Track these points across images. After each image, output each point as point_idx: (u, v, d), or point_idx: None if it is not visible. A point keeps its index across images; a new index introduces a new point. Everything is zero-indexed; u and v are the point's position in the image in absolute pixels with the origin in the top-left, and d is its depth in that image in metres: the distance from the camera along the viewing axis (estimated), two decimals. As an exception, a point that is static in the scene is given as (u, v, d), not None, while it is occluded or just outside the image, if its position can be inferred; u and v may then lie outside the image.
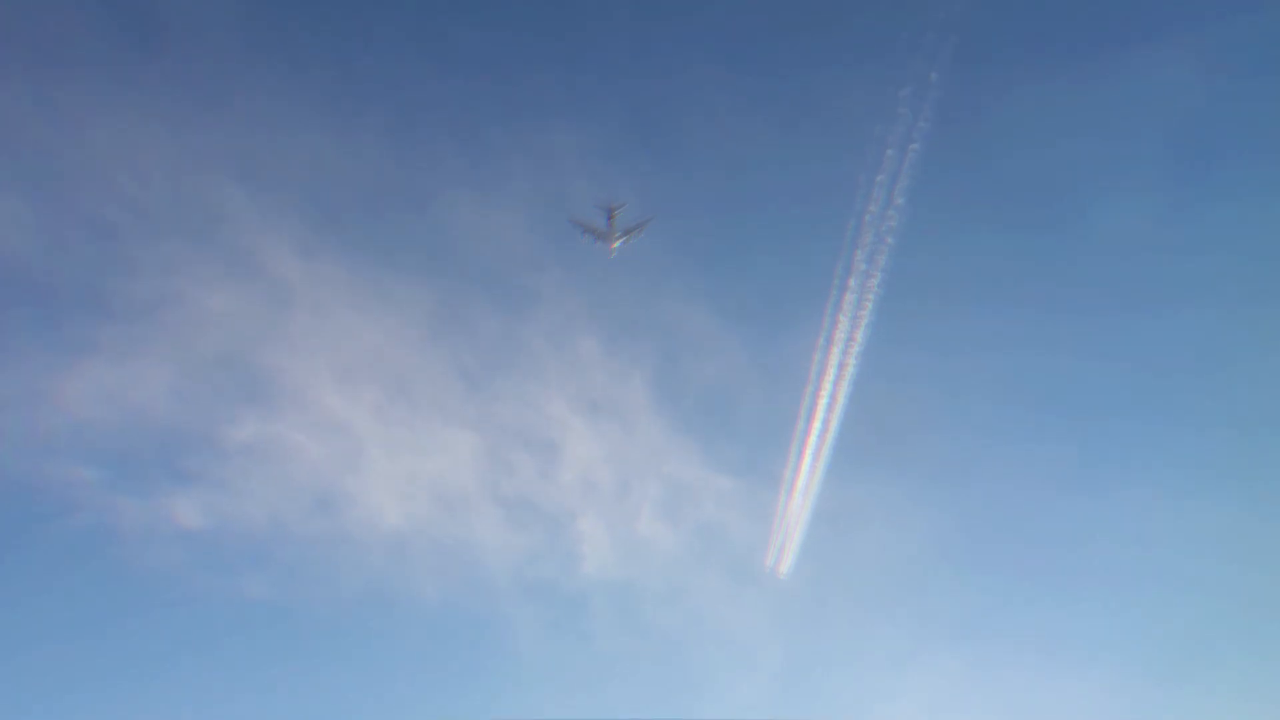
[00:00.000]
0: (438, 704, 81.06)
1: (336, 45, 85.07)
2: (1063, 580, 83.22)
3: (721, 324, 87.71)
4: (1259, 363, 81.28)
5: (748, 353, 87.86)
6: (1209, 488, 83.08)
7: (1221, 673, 77.10)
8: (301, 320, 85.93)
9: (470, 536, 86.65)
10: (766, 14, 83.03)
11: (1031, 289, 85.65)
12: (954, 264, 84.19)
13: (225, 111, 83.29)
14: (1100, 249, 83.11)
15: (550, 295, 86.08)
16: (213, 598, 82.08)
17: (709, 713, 79.43)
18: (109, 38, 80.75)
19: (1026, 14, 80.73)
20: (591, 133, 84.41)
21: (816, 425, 68.99)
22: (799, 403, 69.26)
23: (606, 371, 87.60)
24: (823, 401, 68.74)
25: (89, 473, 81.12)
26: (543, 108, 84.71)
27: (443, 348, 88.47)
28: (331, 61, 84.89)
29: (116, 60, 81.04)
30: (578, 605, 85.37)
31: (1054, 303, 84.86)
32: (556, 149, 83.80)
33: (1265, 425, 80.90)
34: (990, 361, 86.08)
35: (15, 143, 78.56)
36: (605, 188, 79.77)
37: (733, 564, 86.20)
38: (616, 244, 74.84)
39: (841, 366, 68.10)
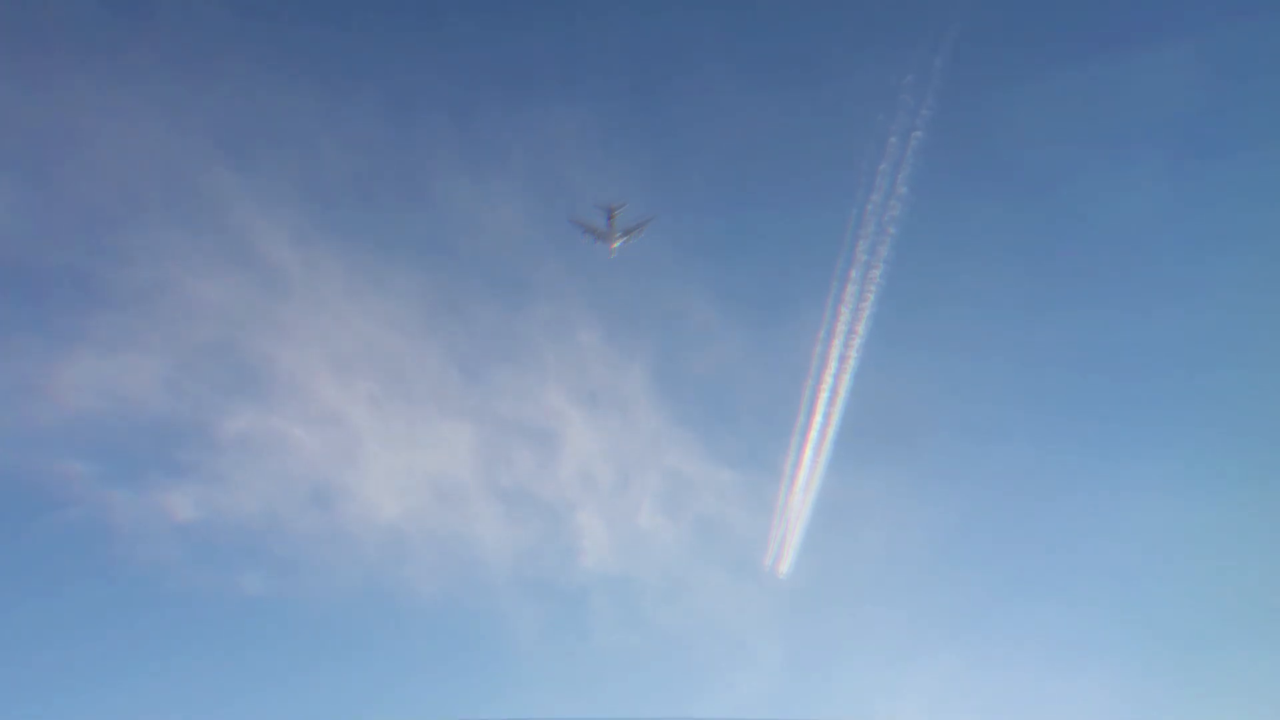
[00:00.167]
0: (435, 700, 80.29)
1: (331, 26, 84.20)
2: (1066, 577, 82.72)
3: (722, 314, 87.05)
4: (1261, 360, 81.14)
5: (748, 344, 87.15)
6: (1212, 485, 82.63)
7: (1225, 671, 76.22)
8: (297, 309, 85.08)
9: (468, 530, 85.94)
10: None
11: (1036, 281, 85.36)
12: (957, 255, 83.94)
13: (217, 94, 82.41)
14: (1105, 241, 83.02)
15: (549, 284, 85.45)
16: (207, 592, 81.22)
17: (709, 708, 78.52)
18: (97, 18, 79.95)
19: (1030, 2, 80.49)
20: (592, 116, 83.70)
21: (818, 418, 68.80)
22: (800, 395, 69.18)
23: (605, 362, 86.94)
24: (824, 394, 68.59)
25: (80, 466, 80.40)
26: (541, 91, 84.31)
27: (439, 338, 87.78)
28: (325, 43, 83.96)
29: (105, 41, 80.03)
30: (576, 600, 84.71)
31: (1058, 295, 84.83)
32: (556, 133, 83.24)
33: (1269, 423, 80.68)
34: (993, 355, 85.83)
35: (1, 126, 77.41)
36: (605, 173, 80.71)
37: (733, 558, 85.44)
38: (616, 244, 74.71)
39: (843, 360, 68.02)
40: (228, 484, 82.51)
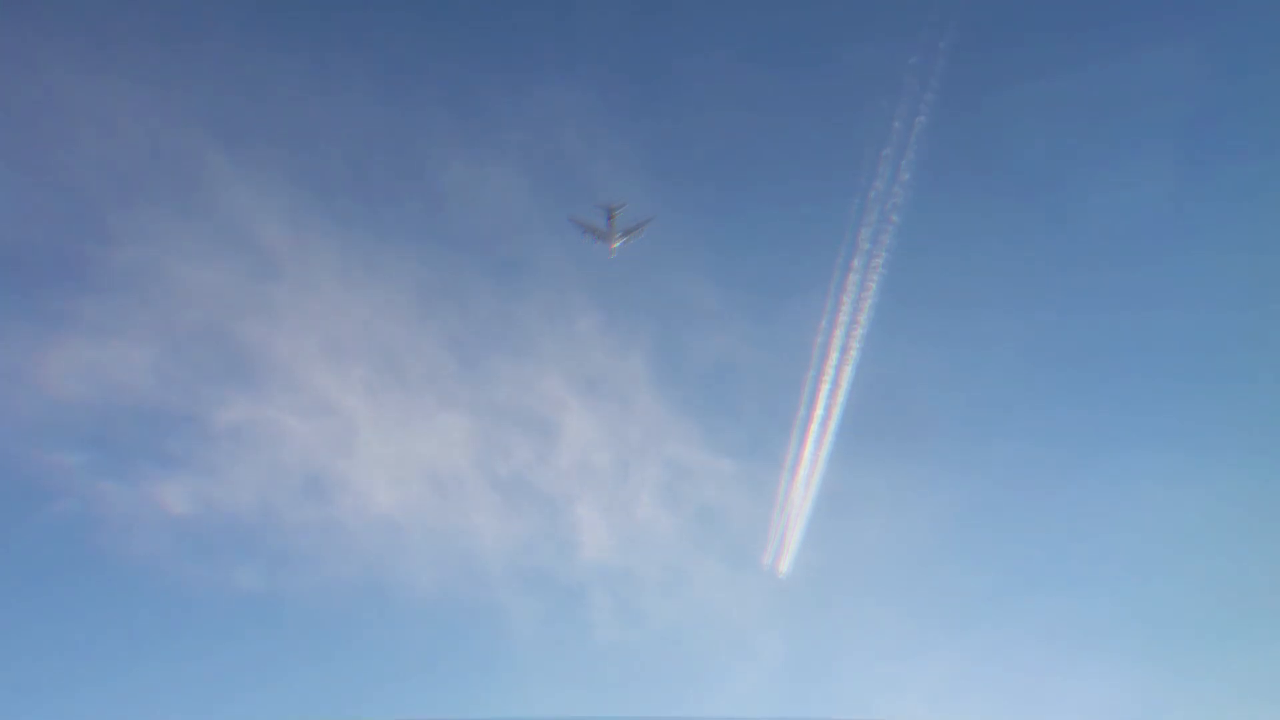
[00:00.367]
0: (431, 694, 78.54)
1: (323, 2, 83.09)
2: (1071, 571, 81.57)
3: (723, 301, 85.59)
4: (1262, 356, 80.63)
5: (750, 332, 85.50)
6: (1219, 477, 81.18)
7: (1233, 664, 75.02)
8: (290, 294, 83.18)
9: (464, 522, 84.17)
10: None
11: (1041, 271, 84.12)
12: (961, 244, 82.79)
13: (206, 72, 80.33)
14: (1111, 232, 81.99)
15: (547, 269, 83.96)
16: (199, 586, 79.06)
17: (709, 703, 77.17)
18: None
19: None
20: (592, 97, 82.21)
21: (819, 409, 67.82)
22: (801, 385, 68.16)
23: (604, 349, 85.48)
24: (825, 385, 67.67)
25: (68, 456, 78.70)
26: (541, 69, 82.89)
27: (435, 323, 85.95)
28: (318, 20, 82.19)
29: (90, 18, 78.00)
30: (575, 593, 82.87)
31: (1063, 286, 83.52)
32: (555, 112, 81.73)
33: (1274, 415, 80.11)
34: (997, 346, 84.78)
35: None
36: (605, 155, 79.60)
37: (733, 551, 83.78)
38: (616, 244, 74.28)
39: (845, 350, 67.21)
40: (219, 475, 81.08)
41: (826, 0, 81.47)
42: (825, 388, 67.53)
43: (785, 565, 73.16)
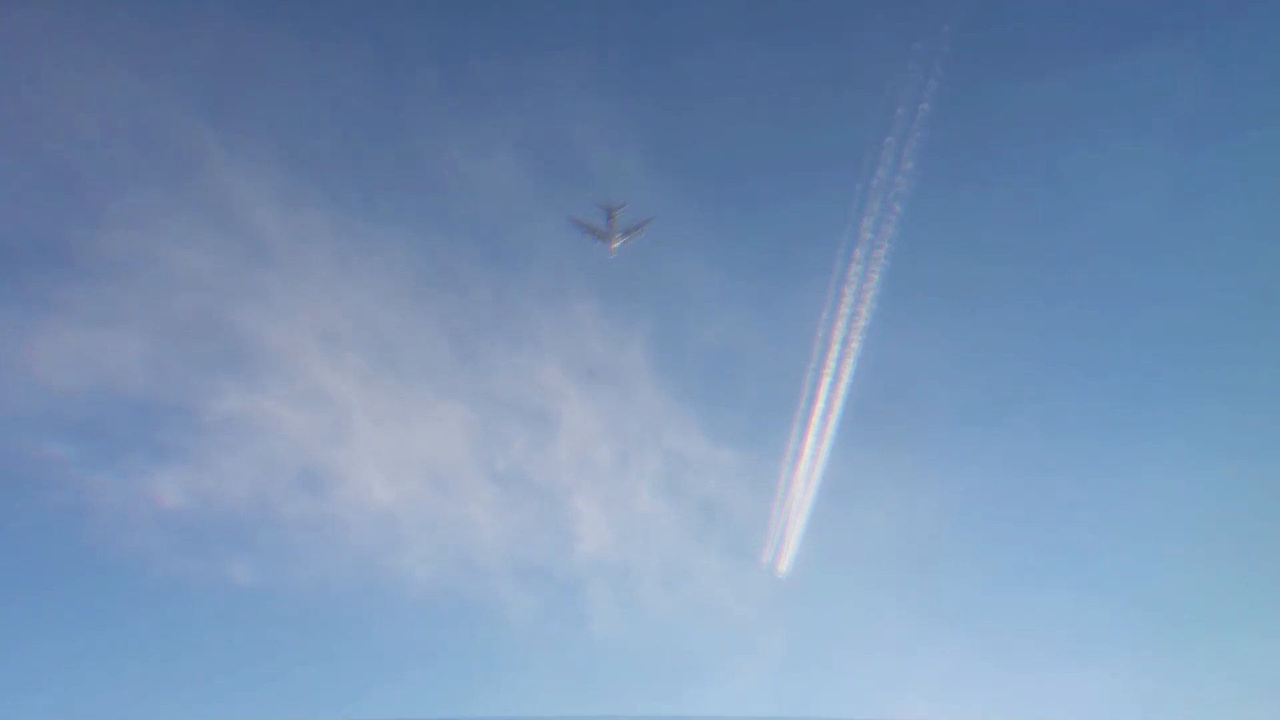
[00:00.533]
0: (428, 690, 77.81)
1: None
2: (1073, 565, 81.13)
3: (724, 290, 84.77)
4: (1264, 351, 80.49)
5: (751, 320, 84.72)
6: (1222, 471, 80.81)
7: (1236, 658, 74.49)
8: (282, 279, 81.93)
9: (461, 515, 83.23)
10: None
11: (1046, 261, 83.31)
12: (963, 234, 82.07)
13: (194, 47, 78.75)
14: (1115, 225, 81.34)
15: (545, 253, 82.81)
16: (193, 580, 78.13)
17: (709, 699, 76.18)
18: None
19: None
20: (592, 75, 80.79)
21: (820, 401, 66.92)
22: (803, 375, 67.34)
23: (604, 336, 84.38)
24: (827, 375, 66.84)
25: (58, 448, 77.36)
26: (539, 43, 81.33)
27: (431, 309, 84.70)
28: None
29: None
30: (573, 588, 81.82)
31: (1066, 278, 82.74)
32: (553, 85, 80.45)
33: (1273, 415, 79.90)
34: (999, 339, 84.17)
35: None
36: (605, 135, 78.30)
37: (733, 544, 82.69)
38: (616, 244, 73.87)
39: (846, 342, 66.44)
40: (212, 467, 79.99)
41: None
42: (827, 378, 66.86)
43: (786, 559, 72.48)
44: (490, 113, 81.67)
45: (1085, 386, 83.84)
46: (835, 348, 66.50)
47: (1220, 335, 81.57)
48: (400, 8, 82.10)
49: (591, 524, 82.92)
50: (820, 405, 67.38)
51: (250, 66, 79.07)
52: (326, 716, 78.49)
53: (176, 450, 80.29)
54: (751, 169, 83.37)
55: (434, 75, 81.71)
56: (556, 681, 78.19)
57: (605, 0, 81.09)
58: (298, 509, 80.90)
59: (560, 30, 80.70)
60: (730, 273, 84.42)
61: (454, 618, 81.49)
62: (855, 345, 66.52)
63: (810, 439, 68.20)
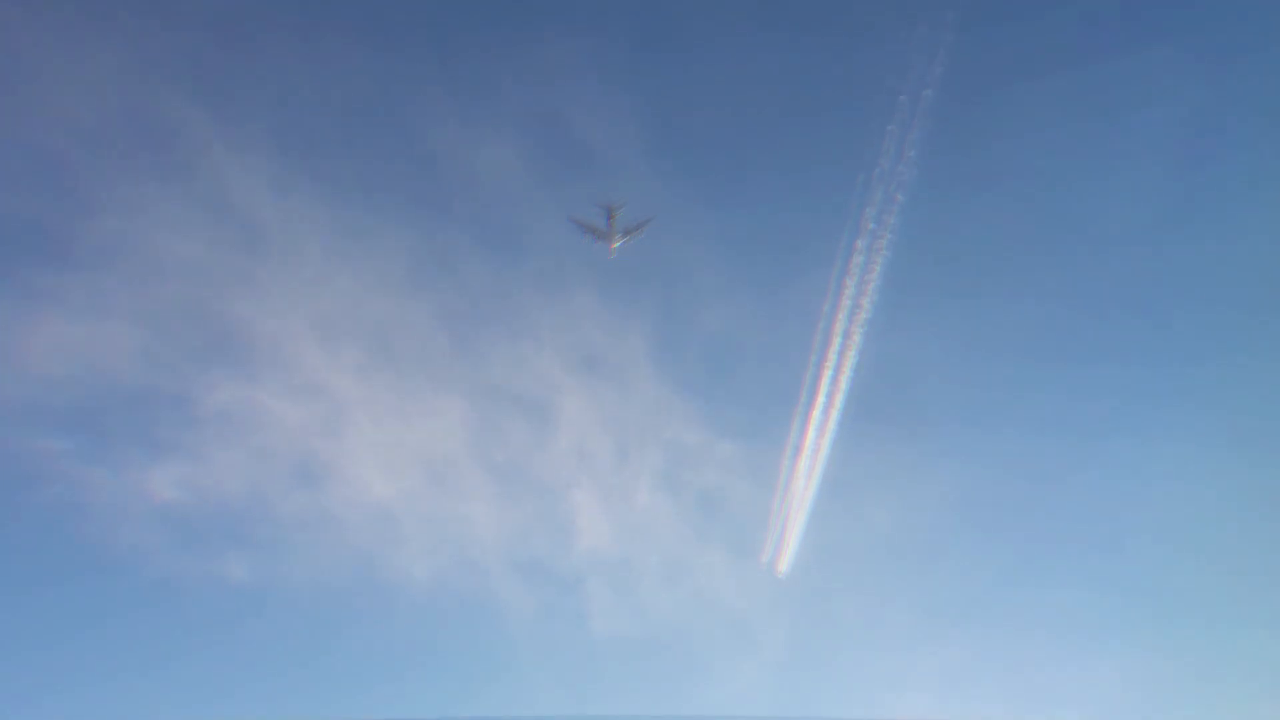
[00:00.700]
0: (425, 686, 77.27)
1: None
2: (1077, 562, 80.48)
3: (725, 280, 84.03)
4: (1265, 349, 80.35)
5: (753, 311, 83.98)
6: (1225, 468, 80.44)
7: (1240, 655, 73.91)
8: (277, 268, 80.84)
9: (458, 509, 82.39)
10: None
11: (1049, 256, 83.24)
12: (967, 228, 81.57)
13: (187, 31, 77.76)
14: (1117, 222, 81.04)
15: (544, 241, 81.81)
16: (187, 576, 77.30)
17: (709, 696, 75.25)
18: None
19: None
20: (593, 58, 79.85)
21: (822, 393, 66.42)
22: (804, 368, 66.82)
23: (603, 326, 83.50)
24: (829, 369, 66.33)
25: (50, 441, 76.72)
26: (538, 23, 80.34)
27: (428, 298, 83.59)
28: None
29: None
30: (571, 584, 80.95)
31: (1068, 275, 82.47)
32: (553, 75, 79.55)
33: (1273, 413, 79.75)
34: (1002, 334, 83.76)
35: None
36: (606, 117, 77.40)
37: (734, 539, 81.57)
38: (616, 244, 73.65)
39: (848, 335, 66.02)
40: (207, 460, 79.22)
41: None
42: (828, 372, 66.39)
43: (786, 555, 71.89)
44: (489, 102, 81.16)
45: (1089, 382, 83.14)
46: (836, 340, 66.23)
47: (1220, 334, 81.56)
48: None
49: (591, 519, 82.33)
50: (821, 399, 67.05)
51: (247, 54, 78.45)
52: (323, 715, 77.10)
53: (171, 443, 79.76)
54: (752, 159, 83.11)
55: (432, 63, 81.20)
56: (554, 678, 77.42)
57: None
58: (293, 502, 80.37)
59: (560, 12, 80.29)
60: (731, 264, 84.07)
61: (451, 613, 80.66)
62: (857, 338, 66.28)
63: (811, 433, 67.82)
